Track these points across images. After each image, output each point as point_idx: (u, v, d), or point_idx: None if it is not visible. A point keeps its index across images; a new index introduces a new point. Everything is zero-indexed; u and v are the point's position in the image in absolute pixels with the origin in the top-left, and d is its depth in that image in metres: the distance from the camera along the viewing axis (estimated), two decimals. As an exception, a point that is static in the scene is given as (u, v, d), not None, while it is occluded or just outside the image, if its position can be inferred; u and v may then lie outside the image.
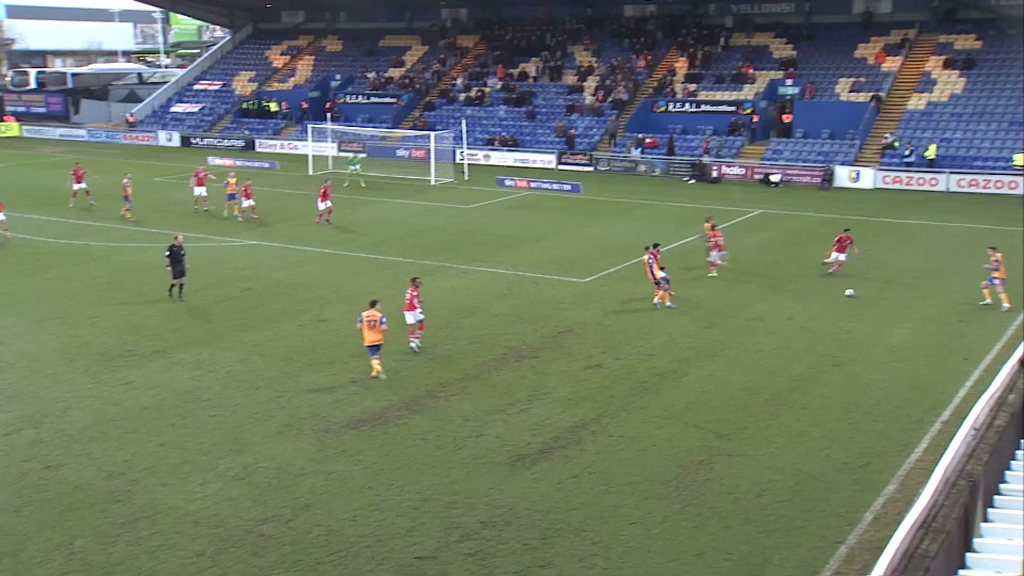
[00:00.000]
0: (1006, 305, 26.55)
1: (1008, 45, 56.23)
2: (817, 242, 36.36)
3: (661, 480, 16.04)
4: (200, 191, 42.67)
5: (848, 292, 28.27)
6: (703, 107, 59.45)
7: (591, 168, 57.19)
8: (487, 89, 66.82)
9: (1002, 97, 53.65)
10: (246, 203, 40.73)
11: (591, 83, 64.61)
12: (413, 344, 22.93)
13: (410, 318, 22.77)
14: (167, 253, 27.77)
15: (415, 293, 22.82)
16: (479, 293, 28.53)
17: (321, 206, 39.55)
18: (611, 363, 22.10)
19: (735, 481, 15.99)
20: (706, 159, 54.79)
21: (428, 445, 17.50)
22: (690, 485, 15.87)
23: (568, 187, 49.46)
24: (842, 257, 30.54)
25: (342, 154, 59.21)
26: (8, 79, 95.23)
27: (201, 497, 15.44)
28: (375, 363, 21.04)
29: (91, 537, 14.29)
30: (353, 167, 50.62)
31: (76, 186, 43.43)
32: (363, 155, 57.09)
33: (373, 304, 21.11)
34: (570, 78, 65.87)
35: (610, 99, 62.37)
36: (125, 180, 41.27)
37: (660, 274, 27.25)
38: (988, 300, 26.98)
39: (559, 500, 15.34)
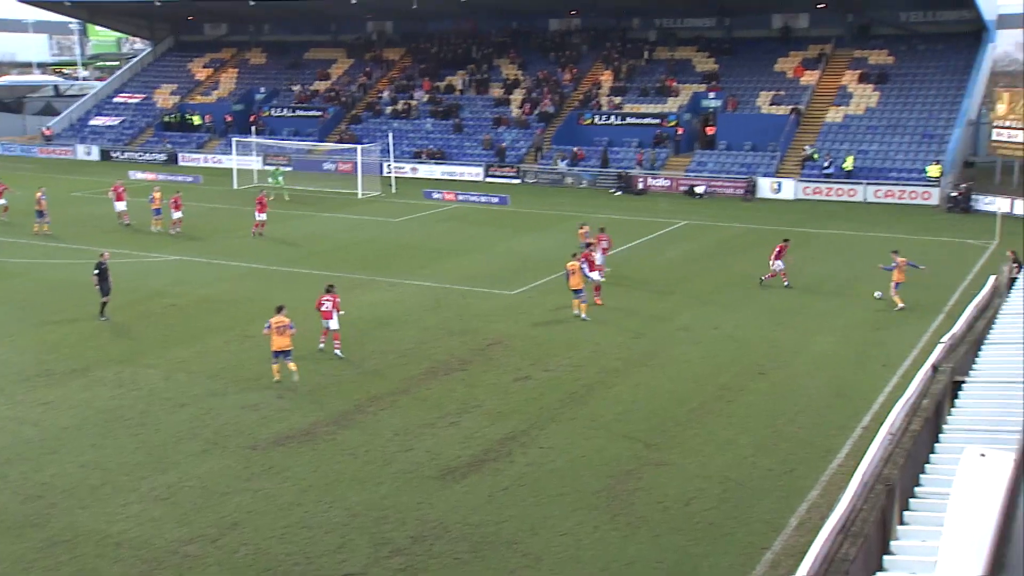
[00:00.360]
0: (900, 307, 27.85)
1: (919, 61, 58.08)
2: (741, 252, 37.04)
3: (591, 490, 16.14)
4: (120, 206, 41.87)
5: (877, 294, 28.90)
6: (628, 120, 60.20)
7: (519, 180, 57.45)
8: (414, 102, 66.76)
9: (914, 110, 55.35)
10: (176, 215, 40.21)
11: (517, 96, 64.97)
12: (336, 350, 23.24)
13: (333, 324, 23.14)
14: (95, 271, 26.82)
15: (336, 300, 23.15)
16: (407, 306, 28.44)
17: (259, 217, 39.43)
18: (540, 375, 22.20)
19: (664, 490, 16.16)
20: (634, 171, 55.43)
21: (357, 460, 17.35)
22: (620, 495, 16.00)
23: (496, 199, 49.62)
24: (780, 264, 31.12)
25: (267, 167, 58.55)
26: None
27: (123, 519, 15.08)
28: (282, 367, 21.28)
29: (7, 563, 13.85)
30: (276, 180, 50.13)
31: None
32: (287, 168, 56.53)
33: (279, 310, 21.46)
34: (496, 91, 66.15)
35: (537, 112, 62.75)
36: (39, 194, 40.26)
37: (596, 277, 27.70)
38: (901, 305, 27.86)
39: (490, 513, 15.34)
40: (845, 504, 5.97)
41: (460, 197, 50.52)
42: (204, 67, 78.32)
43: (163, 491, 16.06)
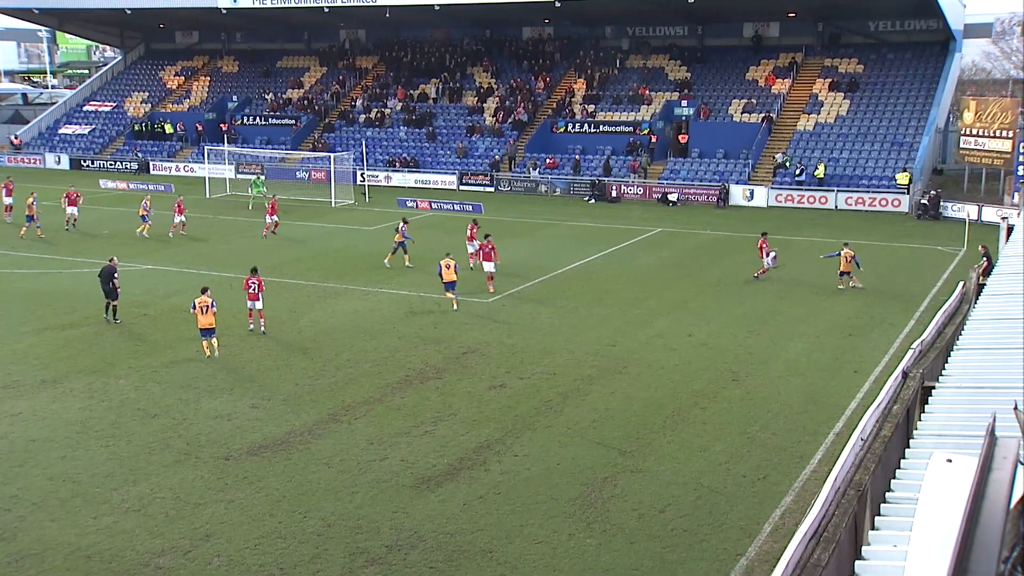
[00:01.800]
0: (855, 286, 31.10)
1: (888, 69, 58.73)
2: (715, 259, 37.25)
3: (566, 498, 16.15)
4: (72, 211, 42.69)
5: (822, 256, 29.30)
6: (602, 128, 60.45)
7: (492, 189, 57.50)
8: (387, 110, 66.72)
9: (884, 118, 55.95)
10: (177, 219, 41.50)
11: (491, 104, 65.08)
12: (263, 329, 25.78)
13: (259, 304, 25.84)
14: (101, 275, 27.54)
15: (260, 281, 25.83)
16: (382, 315, 28.39)
17: (268, 220, 41.32)
18: (515, 383, 22.21)
19: (639, 497, 16.21)
20: (608, 179, 55.66)
21: (332, 470, 17.28)
22: (595, 502, 16.03)
23: (470, 207, 49.65)
24: (773, 255, 33.15)
25: (241, 176, 58.37)
26: None
27: (94, 531, 14.93)
28: (208, 343, 23.49)
29: (-24, 577, 13.68)
30: (257, 190, 50.11)
31: (7, 200, 45.07)
32: (263, 177, 56.34)
33: (204, 291, 23.97)
34: (470, 99, 66.24)
35: (510, 120, 62.88)
36: (30, 199, 41.42)
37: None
38: (841, 286, 31.08)
39: (465, 521, 15.32)
40: (817, 510, 6.01)
41: (434, 205, 50.50)
42: (176, 75, 78.00)
43: (135, 502, 15.92)
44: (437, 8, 62.00)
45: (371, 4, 63.43)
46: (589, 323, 27.48)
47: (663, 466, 17.54)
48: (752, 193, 52.68)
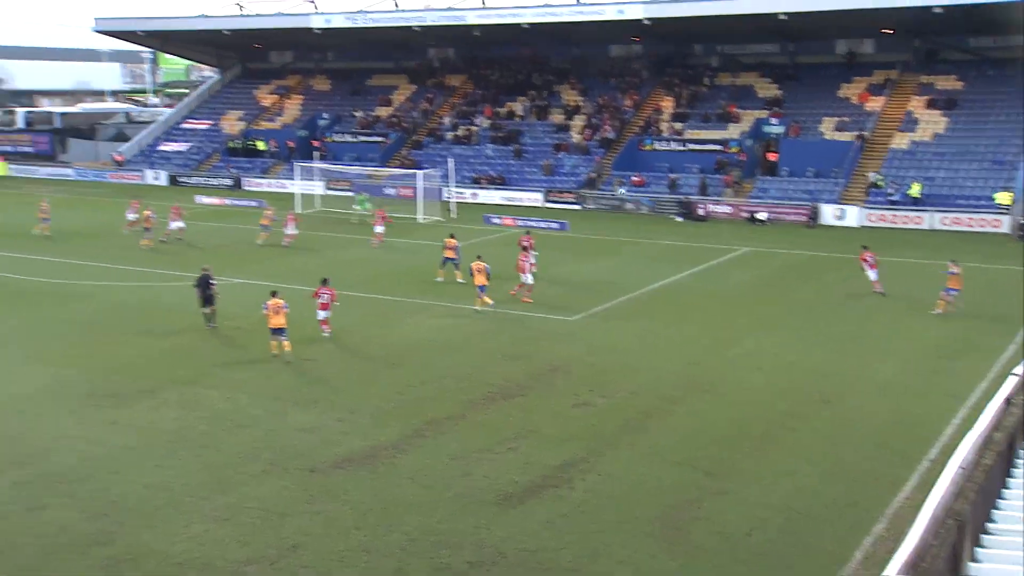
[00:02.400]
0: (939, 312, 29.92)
1: (988, 86, 57.02)
2: (804, 279, 36.56)
3: (650, 518, 15.97)
4: (177, 224, 44.82)
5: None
6: (689, 145, 59.95)
7: (579, 206, 57.46)
8: (475, 128, 67.26)
9: (983, 136, 54.29)
10: (174, 225, 44.50)
11: (578, 121, 65.13)
12: (325, 333, 26.77)
13: (322, 314, 26.71)
14: (196, 284, 28.58)
15: (330, 293, 26.72)
16: (466, 332, 28.54)
17: (378, 230, 43.58)
18: (599, 401, 22.08)
19: (724, 519, 15.93)
20: (695, 197, 55.15)
21: (415, 484, 17.40)
22: (679, 523, 15.81)
23: (556, 225, 49.66)
24: (873, 274, 32.88)
25: (332, 192, 59.54)
26: None
27: (185, 539, 15.29)
28: (277, 342, 24.85)
29: (73, 580, 14.11)
30: (363, 207, 51.35)
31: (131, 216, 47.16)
32: (366, 193, 56.94)
33: (274, 294, 25.36)
34: (557, 117, 66.39)
35: (597, 137, 62.82)
36: (148, 212, 44.25)
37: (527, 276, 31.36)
38: (940, 310, 29.90)
39: (548, 539, 15.25)
40: (914, 539, 5.81)
41: (520, 222, 50.64)
42: (270, 94, 79.93)
43: (224, 512, 16.25)
44: (526, 27, 62.41)
45: (461, 23, 64.18)
46: (674, 342, 27.20)
47: (749, 488, 17.22)
48: (843, 212, 51.59)
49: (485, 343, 27.18)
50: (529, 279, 31.92)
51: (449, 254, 35.35)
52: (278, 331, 24.73)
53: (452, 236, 36.47)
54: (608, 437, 19.79)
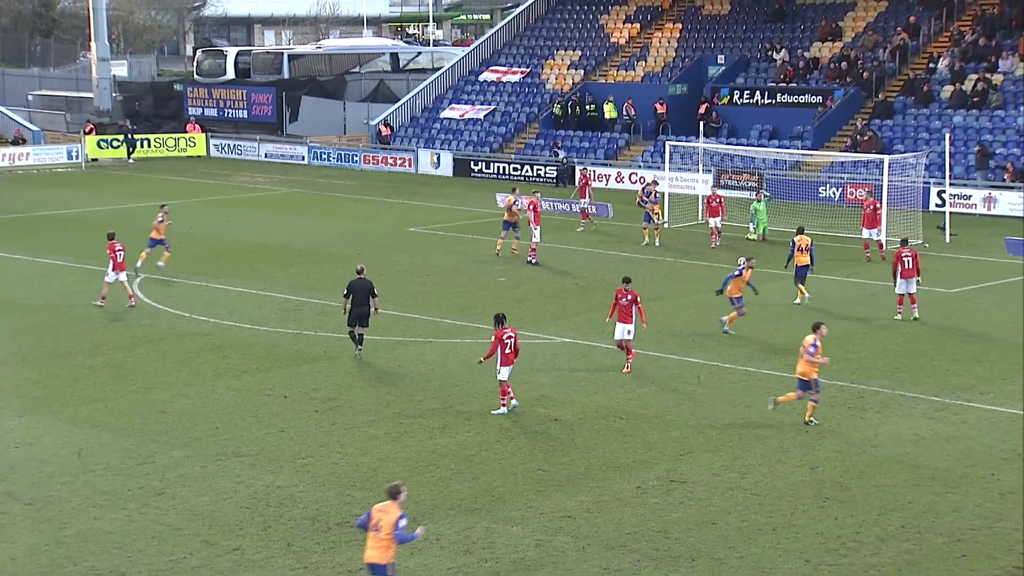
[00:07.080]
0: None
1: None
2: None
3: None
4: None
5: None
6: None
7: None
8: (996, 78, 45.68)
9: None
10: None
11: None
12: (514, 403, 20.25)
13: (504, 373, 19.99)
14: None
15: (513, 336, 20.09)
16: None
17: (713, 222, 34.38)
18: None
19: None
20: None
21: None
22: None
23: None
24: None
25: (725, 194, 39.94)
26: (195, 64, 67.19)
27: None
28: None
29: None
30: (762, 225, 34.93)
31: None
32: (767, 195, 38.51)
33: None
34: None
35: None
36: (161, 216, 28.84)
37: None
38: None
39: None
40: None
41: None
42: (625, 23, 56.62)
43: None
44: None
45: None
46: None
47: None
48: None
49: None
50: None
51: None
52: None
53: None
54: None
